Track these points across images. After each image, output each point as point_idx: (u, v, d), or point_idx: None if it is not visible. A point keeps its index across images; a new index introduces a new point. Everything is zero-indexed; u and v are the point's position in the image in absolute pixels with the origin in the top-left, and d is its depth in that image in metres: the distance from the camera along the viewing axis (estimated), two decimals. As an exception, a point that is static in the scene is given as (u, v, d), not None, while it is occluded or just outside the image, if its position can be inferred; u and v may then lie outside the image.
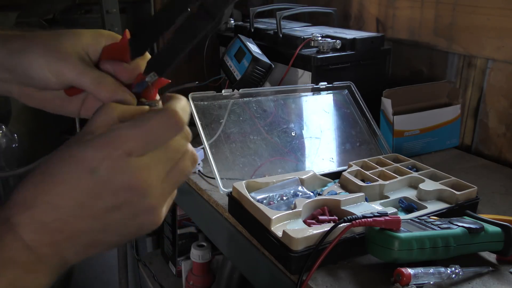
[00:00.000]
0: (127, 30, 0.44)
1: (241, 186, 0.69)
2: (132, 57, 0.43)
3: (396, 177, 0.74)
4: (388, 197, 0.70)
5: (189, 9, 0.39)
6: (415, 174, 0.75)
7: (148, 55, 0.43)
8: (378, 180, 0.73)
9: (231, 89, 0.85)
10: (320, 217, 0.63)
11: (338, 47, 0.98)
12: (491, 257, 0.62)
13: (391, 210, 0.64)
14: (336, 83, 0.94)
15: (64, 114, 0.49)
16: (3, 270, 0.33)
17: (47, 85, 0.44)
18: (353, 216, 0.57)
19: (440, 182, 0.72)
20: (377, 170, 0.77)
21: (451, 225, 0.59)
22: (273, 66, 0.96)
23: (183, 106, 0.39)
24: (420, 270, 0.54)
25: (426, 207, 0.67)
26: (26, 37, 0.44)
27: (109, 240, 0.37)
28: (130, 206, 0.36)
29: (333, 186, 0.75)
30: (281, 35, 1.04)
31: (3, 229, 0.34)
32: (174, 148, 0.38)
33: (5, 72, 0.44)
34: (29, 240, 0.34)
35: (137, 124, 0.35)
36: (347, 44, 0.98)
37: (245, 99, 0.86)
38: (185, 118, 0.38)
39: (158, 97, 0.44)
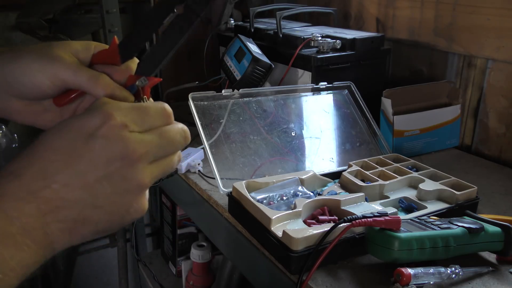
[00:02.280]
0: (115, 37, 0.45)
1: (241, 186, 0.69)
2: (122, 60, 0.44)
3: (396, 177, 0.74)
4: (388, 197, 0.70)
5: (175, 10, 0.40)
6: (415, 174, 0.75)
7: (136, 58, 0.44)
8: (378, 180, 0.73)
9: (231, 89, 0.85)
10: (320, 217, 0.63)
11: (338, 47, 0.98)
12: (491, 257, 0.62)
13: (391, 210, 0.64)
14: (336, 83, 0.94)
15: None
16: None
17: (40, 91, 0.43)
18: (353, 216, 0.57)
19: (440, 182, 0.72)
20: (377, 170, 0.77)
21: (451, 225, 0.59)
22: (273, 66, 0.96)
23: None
24: (420, 270, 0.54)
25: (426, 207, 0.67)
26: (14, 50, 0.44)
27: (96, 219, 0.36)
28: (120, 178, 0.36)
29: (333, 186, 0.75)
30: (281, 35, 1.04)
31: None
32: (169, 139, 0.39)
33: None
34: (10, 209, 0.33)
35: (134, 104, 0.38)
36: (347, 44, 0.98)
37: (245, 99, 0.86)
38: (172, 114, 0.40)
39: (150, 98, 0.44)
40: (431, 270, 0.54)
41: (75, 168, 0.35)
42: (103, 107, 0.37)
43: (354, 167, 0.78)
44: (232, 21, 1.24)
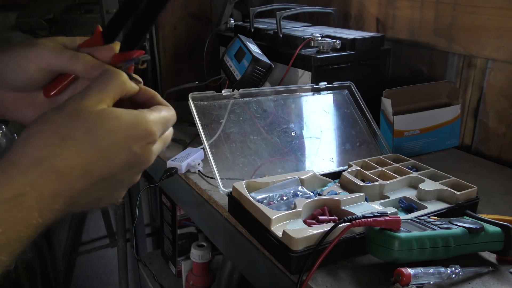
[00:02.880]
0: (99, 25, 0.47)
1: (241, 186, 0.69)
2: (105, 43, 0.46)
3: (396, 177, 0.74)
4: (388, 197, 0.70)
5: None
6: (415, 174, 0.75)
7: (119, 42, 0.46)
8: (378, 180, 0.73)
9: (231, 89, 0.85)
10: (320, 217, 0.63)
11: (338, 47, 0.98)
12: (491, 257, 0.62)
13: (391, 210, 0.64)
14: (336, 83, 0.94)
15: None
16: None
17: (28, 77, 0.44)
18: (353, 216, 0.57)
19: (440, 182, 0.72)
20: (377, 170, 0.77)
21: (451, 225, 0.59)
22: (273, 66, 0.96)
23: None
24: (420, 270, 0.54)
25: (426, 207, 0.67)
26: (4, 46, 0.45)
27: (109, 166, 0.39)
28: (136, 172, 0.41)
29: (333, 186, 0.75)
30: (281, 35, 1.04)
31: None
32: (167, 119, 0.43)
33: None
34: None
35: (162, 117, 0.42)
36: (347, 44, 0.98)
37: (245, 99, 0.86)
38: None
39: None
40: (431, 270, 0.54)
41: (110, 167, 0.38)
42: (148, 125, 0.40)
43: (354, 167, 0.78)
44: (232, 21, 1.24)
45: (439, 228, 0.57)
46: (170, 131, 0.44)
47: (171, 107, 0.44)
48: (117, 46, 0.45)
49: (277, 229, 0.60)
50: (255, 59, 0.94)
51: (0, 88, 0.45)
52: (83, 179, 0.37)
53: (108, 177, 0.39)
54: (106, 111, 0.38)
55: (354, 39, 0.98)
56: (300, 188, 0.71)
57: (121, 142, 0.38)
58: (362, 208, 0.65)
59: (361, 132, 0.92)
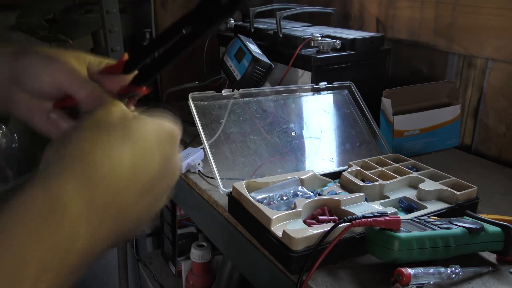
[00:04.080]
0: (126, 53, 0.47)
1: (241, 186, 0.69)
2: (123, 73, 0.46)
3: (396, 177, 0.74)
4: (388, 197, 0.70)
5: (183, 31, 0.42)
6: (415, 174, 0.75)
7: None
8: (378, 180, 0.73)
9: (231, 89, 0.85)
10: (320, 217, 0.63)
11: (338, 47, 0.98)
12: (491, 257, 0.62)
13: (391, 210, 0.64)
14: (336, 83, 0.94)
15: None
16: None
17: (41, 87, 0.45)
18: (353, 216, 0.57)
19: (440, 182, 0.72)
20: (377, 170, 0.77)
21: (451, 225, 0.59)
22: (273, 66, 0.96)
23: None
24: (420, 270, 0.54)
25: (426, 207, 0.67)
26: (31, 49, 0.46)
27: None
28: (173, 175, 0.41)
29: (333, 186, 0.75)
30: (281, 35, 1.04)
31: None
32: None
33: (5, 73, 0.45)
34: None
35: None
36: (347, 44, 0.98)
37: (245, 99, 0.86)
38: None
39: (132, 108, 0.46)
40: (431, 270, 0.54)
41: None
42: (170, 126, 0.41)
43: (354, 167, 0.78)
44: (232, 21, 1.24)
45: (439, 228, 0.57)
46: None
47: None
48: (129, 77, 0.46)
49: (277, 229, 0.59)
50: (255, 59, 0.94)
51: (17, 87, 0.46)
52: (130, 186, 0.35)
53: (149, 185, 0.38)
54: (136, 117, 0.39)
55: (354, 39, 0.98)
56: (300, 188, 0.71)
57: (155, 144, 0.38)
58: (362, 208, 0.65)
59: (361, 132, 0.92)
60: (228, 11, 0.40)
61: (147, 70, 0.44)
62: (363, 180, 0.74)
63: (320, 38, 0.97)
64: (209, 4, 0.41)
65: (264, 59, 0.96)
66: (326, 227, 0.58)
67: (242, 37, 1.02)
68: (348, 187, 0.73)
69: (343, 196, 0.67)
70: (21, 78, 0.45)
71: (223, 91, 0.84)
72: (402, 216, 0.64)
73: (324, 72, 0.94)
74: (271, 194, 0.69)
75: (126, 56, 0.46)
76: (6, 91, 0.47)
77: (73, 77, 0.44)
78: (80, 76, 0.44)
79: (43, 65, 0.44)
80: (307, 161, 0.85)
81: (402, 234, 0.54)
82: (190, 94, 0.81)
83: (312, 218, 0.64)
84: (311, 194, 0.71)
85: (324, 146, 0.88)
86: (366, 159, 0.81)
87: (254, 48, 0.99)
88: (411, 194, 0.71)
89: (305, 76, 0.96)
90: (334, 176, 0.78)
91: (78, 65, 0.45)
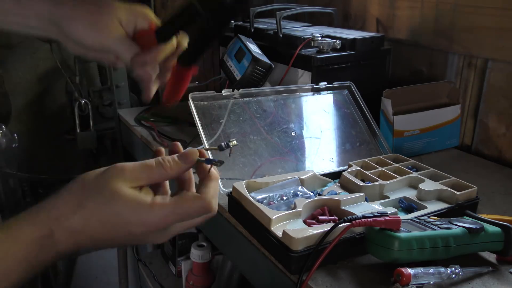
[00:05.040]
0: (153, 21, 0.53)
1: (241, 186, 0.69)
2: (158, 42, 0.52)
3: (396, 177, 0.74)
4: (388, 197, 0.70)
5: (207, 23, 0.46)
6: (415, 174, 0.75)
7: (173, 41, 0.53)
8: (378, 180, 0.73)
9: (231, 89, 0.85)
10: (320, 217, 0.63)
11: (338, 47, 0.98)
12: (491, 257, 0.62)
13: (391, 210, 0.64)
14: (336, 83, 0.94)
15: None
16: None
17: (84, 47, 0.52)
18: (353, 216, 0.57)
19: (440, 182, 0.72)
20: (377, 170, 0.77)
21: (451, 225, 0.59)
22: (273, 66, 0.96)
23: (216, 190, 0.48)
24: (420, 270, 0.54)
25: (426, 207, 0.67)
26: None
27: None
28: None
29: (333, 186, 0.75)
30: (281, 35, 1.04)
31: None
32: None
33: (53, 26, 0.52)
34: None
35: (177, 212, 0.45)
36: (347, 44, 0.98)
37: (245, 99, 0.86)
38: (216, 204, 0.48)
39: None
40: (431, 270, 0.54)
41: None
42: (149, 217, 0.44)
43: (354, 167, 0.78)
44: (232, 21, 1.24)
45: (439, 228, 0.57)
46: (194, 221, 0.48)
47: (200, 199, 0.46)
48: (167, 48, 0.52)
49: (277, 229, 0.60)
50: (255, 59, 0.94)
51: (60, 32, 0.52)
52: (90, 241, 0.44)
53: (113, 242, 0.45)
54: (119, 193, 0.43)
55: (354, 39, 0.98)
56: (300, 188, 0.71)
57: (123, 224, 0.44)
58: (362, 208, 0.65)
59: (361, 132, 0.92)
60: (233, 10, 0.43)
61: (195, 48, 0.49)
62: (363, 180, 0.74)
63: (320, 38, 0.97)
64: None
65: (264, 59, 0.96)
66: (326, 227, 0.58)
67: (242, 37, 1.02)
68: (348, 187, 0.73)
69: (343, 196, 0.67)
70: (64, 28, 0.51)
71: (223, 91, 0.84)
72: (402, 216, 0.64)
73: (324, 72, 0.94)
74: (271, 194, 0.69)
75: (153, 24, 0.51)
76: (46, 30, 0.52)
77: (119, 40, 0.50)
78: (128, 40, 0.51)
79: (89, 25, 0.50)
80: (307, 161, 0.85)
81: (402, 234, 0.54)
82: (190, 94, 0.81)
83: (312, 218, 0.64)
84: (311, 194, 0.71)
85: (324, 146, 0.88)
86: (366, 159, 0.81)
87: (254, 48, 0.99)
88: (411, 194, 0.71)
89: (305, 76, 0.96)
90: (334, 176, 0.78)
91: (118, 26, 0.51)
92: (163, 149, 0.51)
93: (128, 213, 0.43)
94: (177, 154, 0.48)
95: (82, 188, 0.44)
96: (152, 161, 0.47)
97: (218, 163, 0.48)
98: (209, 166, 0.48)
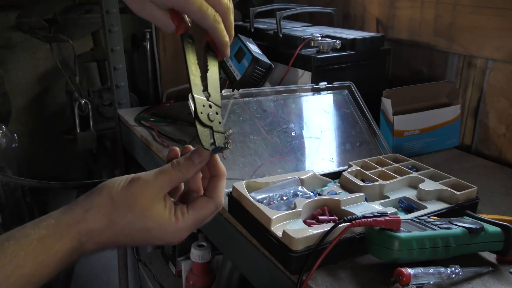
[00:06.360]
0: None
1: (241, 186, 0.69)
2: None
3: (396, 177, 0.74)
4: (388, 197, 0.70)
5: None
6: (415, 174, 0.75)
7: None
8: (378, 180, 0.73)
9: (231, 89, 0.85)
10: (320, 217, 0.63)
11: (338, 47, 0.98)
12: (491, 257, 0.62)
13: (391, 210, 0.64)
14: (336, 83, 0.94)
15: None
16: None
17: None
18: (353, 216, 0.57)
19: (440, 182, 0.72)
20: (377, 170, 0.77)
21: (451, 225, 0.59)
22: (273, 66, 0.96)
23: (224, 187, 0.53)
24: (420, 270, 0.54)
25: (426, 207, 0.67)
26: None
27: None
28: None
29: (333, 186, 0.75)
30: (281, 35, 1.04)
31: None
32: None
33: None
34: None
35: (197, 220, 0.50)
36: (347, 44, 0.98)
37: (245, 99, 0.86)
38: (223, 199, 0.53)
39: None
40: (431, 270, 0.54)
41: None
42: (173, 236, 0.50)
43: (354, 167, 0.78)
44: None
45: (439, 228, 0.57)
46: (207, 220, 0.52)
47: (213, 202, 0.51)
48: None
49: (277, 229, 0.60)
50: (255, 59, 0.94)
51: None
52: (115, 246, 0.49)
53: (133, 245, 0.47)
54: (149, 210, 0.47)
55: (354, 39, 0.98)
56: (300, 188, 0.71)
57: (150, 237, 0.49)
58: (362, 208, 0.65)
59: (361, 132, 0.92)
60: None
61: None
62: (363, 180, 0.74)
63: (320, 38, 0.97)
64: None
65: (264, 59, 0.96)
66: (326, 227, 0.58)
67: (242, 37, 1.02)
68: (348, 187, 0.73)
69: (343, 196, 0.67)
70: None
71: (223, 91, 0.84)
72: (402, 216, 0.64)
73: (324, 72, 0.94)
74: (271, 194, 0.69)
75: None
76: None
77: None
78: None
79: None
80: (307, 161, 0.85)
81: (402, 234, 0.54)
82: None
83: (312, 218, 0.64)
84: (311, 194, 0.71)
85: (324, 146, 0.88)
86: (366, 159, 0.81)
87: (254, 48, 0.99)
88: (411, 194, 0.71)
89: (305, 76, 0.96)
90: (334, 176, 0.78)
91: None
92: (177, 149, 0.53)
93: (157, 230, 0.48)
94: (188, 154, 0.51)
95: (111, 204, 0.47)
96: (168, 167, 0.50)
97: (226, 145, 0.51)
98: (218, 162, 0.52)
